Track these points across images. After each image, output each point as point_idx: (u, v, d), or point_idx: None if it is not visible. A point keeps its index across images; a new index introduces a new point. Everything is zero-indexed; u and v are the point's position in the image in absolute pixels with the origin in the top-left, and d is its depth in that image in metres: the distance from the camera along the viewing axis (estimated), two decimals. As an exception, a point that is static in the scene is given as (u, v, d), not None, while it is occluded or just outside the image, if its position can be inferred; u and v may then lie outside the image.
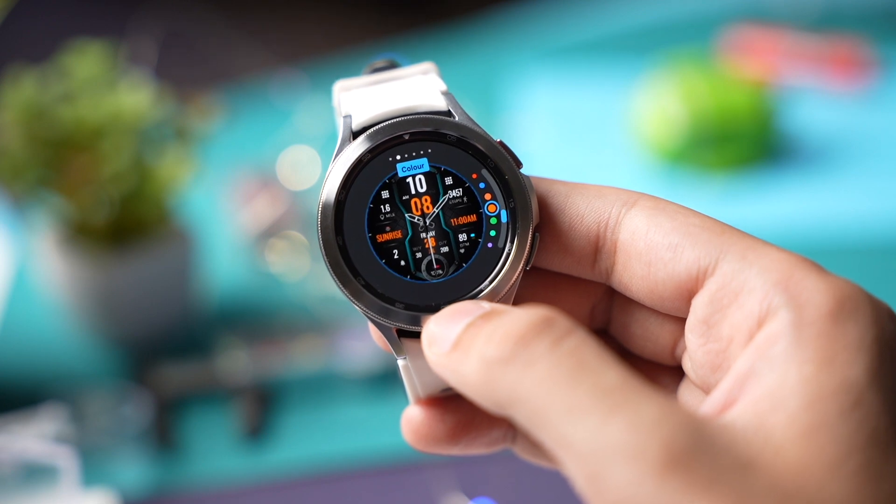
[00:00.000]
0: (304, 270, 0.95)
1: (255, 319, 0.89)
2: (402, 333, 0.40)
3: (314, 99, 1.09)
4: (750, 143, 1.06)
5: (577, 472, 0.33)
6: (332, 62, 1.34)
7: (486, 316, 0.36)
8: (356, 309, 0.39)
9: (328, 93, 0.44)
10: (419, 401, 0.41)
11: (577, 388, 0.33)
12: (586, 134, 1.15)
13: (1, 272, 0.98)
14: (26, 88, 0.81)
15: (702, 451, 0.32)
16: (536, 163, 1.09)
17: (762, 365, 0.34)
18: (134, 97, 0.82)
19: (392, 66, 0.43)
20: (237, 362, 0.83)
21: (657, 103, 1.06)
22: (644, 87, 1.10)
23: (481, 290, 0.39)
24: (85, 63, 0.83)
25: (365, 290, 0.39)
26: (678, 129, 1.05)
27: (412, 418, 0.41)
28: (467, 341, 0.35)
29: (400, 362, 0.40)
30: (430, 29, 1.71)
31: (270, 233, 0.97)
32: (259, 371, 0.83)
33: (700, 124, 1.04)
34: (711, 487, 0.31)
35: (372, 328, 0.41)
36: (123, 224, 0.84)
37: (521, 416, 0.34)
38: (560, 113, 1.18)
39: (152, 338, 0.86)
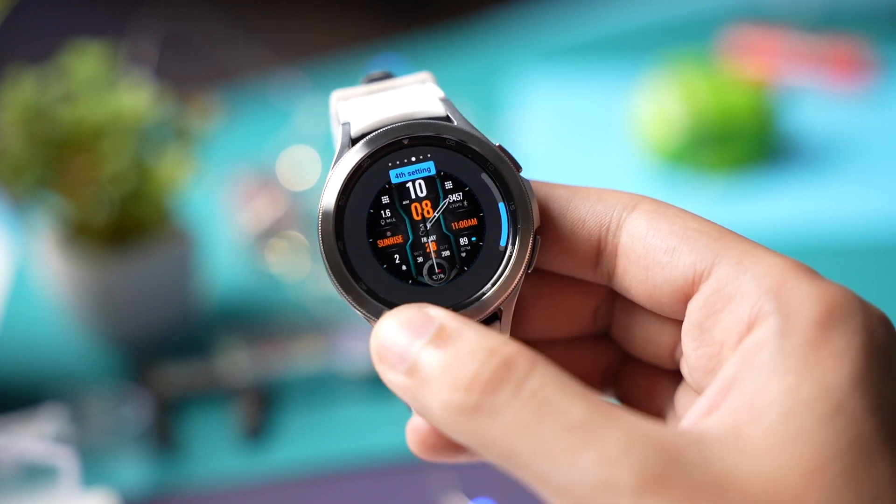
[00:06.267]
0: (304, 271, 0.95)
1: (255, 319, 0.89)
2: None
3: (314, 99, 1.09)
4: (750, 143, 1.06)
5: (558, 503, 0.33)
6: (332, 62, 1.34)
7: (440, 340, 0.35)
8: (358, 314, 0.39)
9: (328, 93, 0.44)
10: None
11: (544, 429, 0.33)
12: (586, 134, 1.14)
13: (1, 272, 0.98)
14: (26, 88, 0.81)
15: (674, 471, 0.32)
16: (536, 163, 1.09)
17: (746, 373, 0.34)
18: (134, 97, 0.82)
19: (388, 76, 0.44)
20: (237, 362, 0.83)
21: (657, 103, 1.06)
22: (644, 87, 1.10)
23: (483, 294, 0.39)
24: (85, 63, 0.83)
25: (367, 296, 0.39)
26: (678, 129, 1.05)
27: (418, 428, 0.40)
28: (425, 372, 0.35)
29: None
30: (429, 29, 1.71)
31: (270, 233, 0.97)
32: (259, 371, 0.83)
33: (700, 124, 1.04)
34: None
35: None
36: (123, 224, 0.84)
37: (493, 457, 0.34)
38: (560, 113, 1.18)
39: (152, 338, 0.86)
